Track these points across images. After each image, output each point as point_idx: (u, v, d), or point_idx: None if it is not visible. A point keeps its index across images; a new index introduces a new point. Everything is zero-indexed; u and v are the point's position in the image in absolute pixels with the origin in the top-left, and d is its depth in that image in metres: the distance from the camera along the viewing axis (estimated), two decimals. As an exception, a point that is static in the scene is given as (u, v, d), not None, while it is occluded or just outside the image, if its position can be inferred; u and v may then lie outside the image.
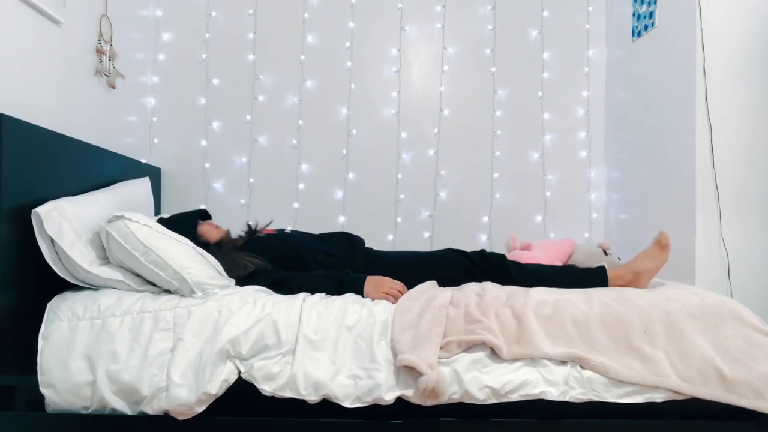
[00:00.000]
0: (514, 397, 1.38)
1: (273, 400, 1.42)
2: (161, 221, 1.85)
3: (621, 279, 1.76)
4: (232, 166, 2.80)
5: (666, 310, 1.48)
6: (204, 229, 1.94)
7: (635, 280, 1.75)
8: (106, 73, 2.24)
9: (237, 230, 2.15)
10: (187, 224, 1.89)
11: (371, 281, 1.72)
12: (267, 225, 2.08)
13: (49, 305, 1.52)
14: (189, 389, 1.39)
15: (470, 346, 1.43)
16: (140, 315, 1.49)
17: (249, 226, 2.04)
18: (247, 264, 1.81)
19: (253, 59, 2.81)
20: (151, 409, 1.40)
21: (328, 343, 1.45)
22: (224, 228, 2.03)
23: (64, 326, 1.47)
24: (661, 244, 1.77)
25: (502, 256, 1.89)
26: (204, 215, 2.06)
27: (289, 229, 2.23)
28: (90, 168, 1.94)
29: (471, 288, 1.68)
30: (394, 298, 1.66)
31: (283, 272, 1.81)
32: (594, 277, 1.78)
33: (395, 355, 1.40)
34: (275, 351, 1.44)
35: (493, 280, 1.79)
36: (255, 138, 2.79)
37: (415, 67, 2.87)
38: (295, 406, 1.42)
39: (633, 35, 2.62)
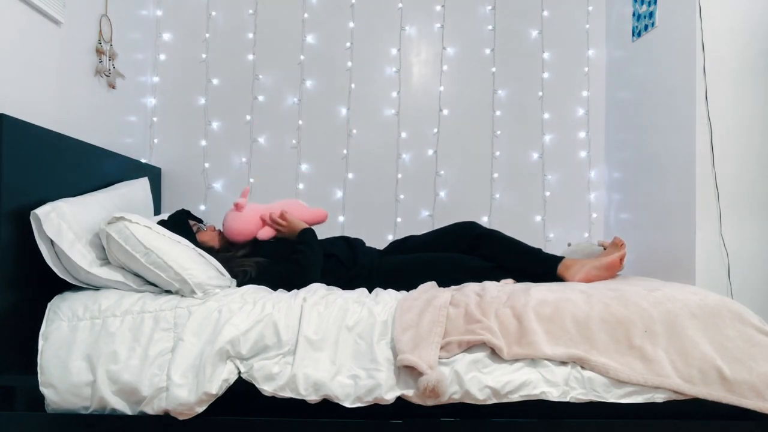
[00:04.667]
0: (515, 398, 1.38)
1: (273, 400, 1.42)
2: (161, 223, 1.85)
3: (578, 264, 1.88)
4: (232, 166, 2.79)
5: (666, 309, 1.48)
6: (207, 236, 1.94)
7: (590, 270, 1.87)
8: (106, 73, 2.24)
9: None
10: (183, 225, 1.89)
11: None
12: None
13: (49, 305, 1.52)
14: (189, 389, 1.39)
15: (470, 346, 1.43)
16: (140, 315, 1.49)
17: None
18: (246, 269, 1.81)
19: (253, 59, 2.81)
20: (151, 409, 1.40)
21: (328, 344, 1.45)
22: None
23: (64, 326, 1.47)
24: (615, 243, 1.96)
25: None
26: (188, 215, 2.05)
27: None
28: (90, 168, 1.94)
29: (471, 288, 1.68)
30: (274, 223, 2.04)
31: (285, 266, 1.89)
32: (549, 261, 1.92)
33: (395, 355, 1.40)
34: (275, 351, 1.44)
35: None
36: (255, 138, 2.79)
37: (415, 67, 2.87)
38: (295, 406, 1.42)
39: (633, 35, 2.61)
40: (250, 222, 2.07)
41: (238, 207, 2.07)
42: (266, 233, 2.08)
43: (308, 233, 2.02)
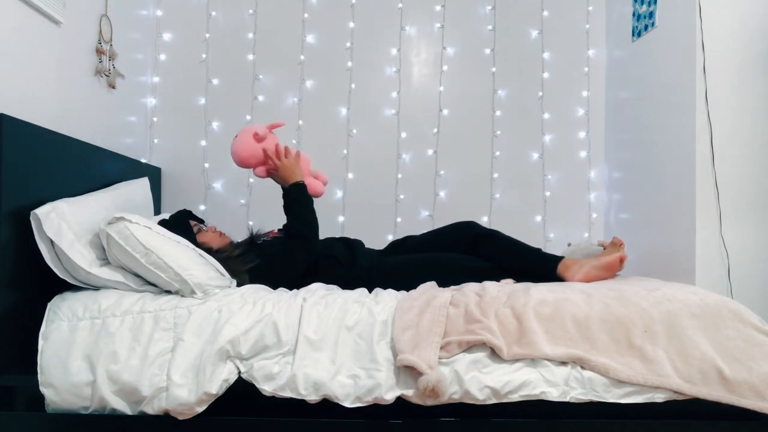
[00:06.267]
0: (515, 398, 1.38)
1: (273, 400, 1.42)
2: (162, 222, 1.85)
3: (577, 264, 1.88)
4: (232, 166, 2.78)
5: (667, 309, 1.48)
6: (207, 237, 1.94)
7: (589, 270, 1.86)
8: (106, 73, 2.24)
9: (236, 230, 2.15)
10: (184, 225, 1.88)
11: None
12: (264, 231, 2.09)
13: (49, 305, 1.52)
14: (189, 389, 1.39)
15: (470, 346, 1.43)
16: (140, 315, 1.49)
17: (250, 233, 2.04)
18: (243, 277, 1.79)
19: (253, 59, 2.81)
20: (151, 409, 1.40)
21: (328, 343, 1.45)
22: (228, 235, 2.02)
23: (64, 326, 1.47)
24: (614, 243, 1.96)
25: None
26: (190, 215, 2.03)
27: None
28: (90, 168, 1.94)
29: (471, 288, 1.68)
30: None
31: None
32: (549, 260, 1.91)
33: (395, 354, 1.40)
34: (275, 351, 1.44)
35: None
36: (255, 138, 2.79)
37: (415, 67, 2.87)
38: (295, 406, 1.42)
39: (633, 35, 2.62)
40: (253, 154, 1.96)
41: (257, 137, 1.95)
42: (260, 172, 1.99)
43: (300, 188, 1.94)
